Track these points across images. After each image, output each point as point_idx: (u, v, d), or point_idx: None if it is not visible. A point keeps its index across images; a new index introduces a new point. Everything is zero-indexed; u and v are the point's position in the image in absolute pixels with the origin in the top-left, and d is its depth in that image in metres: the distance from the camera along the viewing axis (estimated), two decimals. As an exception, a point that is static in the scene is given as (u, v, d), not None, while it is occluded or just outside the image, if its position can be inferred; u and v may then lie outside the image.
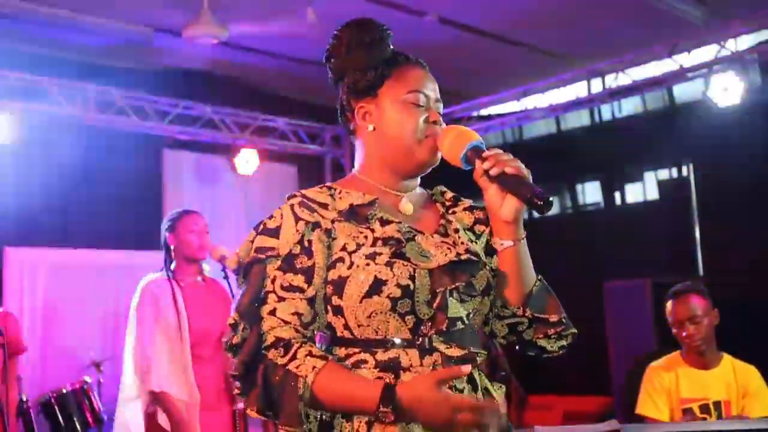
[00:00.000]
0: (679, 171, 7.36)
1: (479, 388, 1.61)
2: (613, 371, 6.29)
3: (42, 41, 6.24)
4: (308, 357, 1.50)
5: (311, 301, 1.56)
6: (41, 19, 5.78)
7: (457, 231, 1.66)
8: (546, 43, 6.69)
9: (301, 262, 1.57)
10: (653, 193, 7.66)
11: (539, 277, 1.68)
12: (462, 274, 1.58)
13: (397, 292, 1.53)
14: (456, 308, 1.58)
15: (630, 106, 7.67)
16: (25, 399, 4.74)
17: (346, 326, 1.57)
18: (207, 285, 3.82)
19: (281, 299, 1.55)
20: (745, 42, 6.06)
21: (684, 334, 3.25)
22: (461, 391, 1.57)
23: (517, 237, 1.62)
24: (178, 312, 3.62)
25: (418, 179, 1.75)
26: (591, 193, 8.32)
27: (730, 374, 3.27)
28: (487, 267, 1.65)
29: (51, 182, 6.13)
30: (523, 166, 1.56)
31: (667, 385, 3.29)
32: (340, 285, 1.55)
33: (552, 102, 7.02)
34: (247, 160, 7.18)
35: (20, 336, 3.79)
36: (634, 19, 6.13)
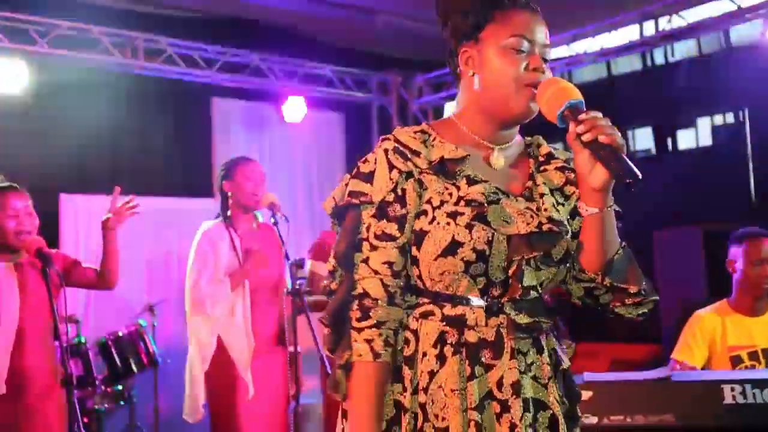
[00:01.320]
0: (735, 116, 7.17)
1: (545, 350, 1.62)
2: (663, 319, 6.24)
3: (91, -10, 6.28)
4: (370, 342, 1.54)
5: (403, 250, 1.59)
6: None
7: (542, 195, 1.62)
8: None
9: (394, 210, 1.58)
10: (706, 140, 7.49)
11: (623, 244, 1.63)
12: (541, 244, 1.57)
13: (472, 256, 1.53)
14: (531, 277, 1.58)
15: (684, 49, 7.46)
16: (83, 341, 4.91)
17: (420, 276, 1.60)
18: (261, 232, 3.87)
19: (374, 248, 1.58)
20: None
21: (760, 274, 3.21)
22: (525, 353, 1.58)
23: (604, 205, 1.56)
24: (237, 258, 3.69)
25: (516, 130, 1.70)
26: (642, 139, 8.17)
27: (779, 321, 3.24)
28: (569, 234, 1.61)
29: (102, 131, 6.21)
30: (619, 135, 1.48)
31: (711, 332, 3.26)
32: (420, 237, 1.57)
33: (603, 46, 6.86)
34: (295, 108, 7.19)
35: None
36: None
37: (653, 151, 7.94)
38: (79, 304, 5.72)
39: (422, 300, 1.60)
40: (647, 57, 7.73)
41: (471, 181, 1.59)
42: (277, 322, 3.83)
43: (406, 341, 1.60)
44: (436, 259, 1.55)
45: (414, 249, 1.59)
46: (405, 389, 1.58)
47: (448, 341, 1.56)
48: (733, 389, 2.53)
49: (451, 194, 1.58)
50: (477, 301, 1.57)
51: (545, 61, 1.62)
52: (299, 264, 3.62)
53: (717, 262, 3.43)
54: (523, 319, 1.57)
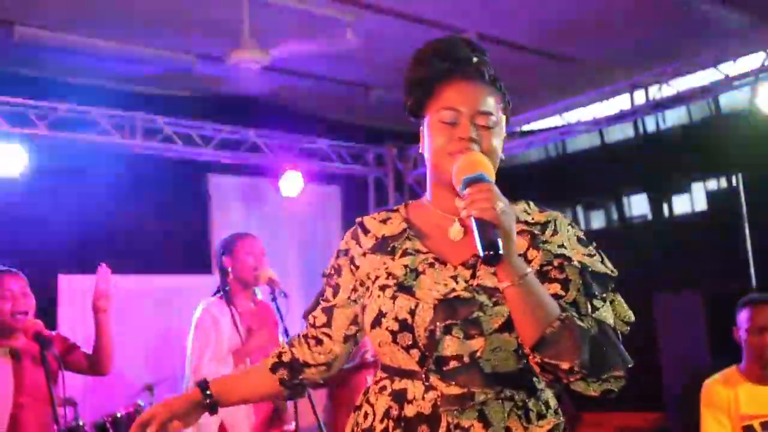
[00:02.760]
0: (728, 181, 7.23)
1: (494, 426, 1.52)
2: (666, 386, 6.18)
3: (89, 72, 6.39)
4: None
5: (328, 310, 1.78)
6: (88, 50, 5.92)
7: (483, 263, 1.56)
8: (587, 56, 6.64)
9: (334, 280, 1.78)
10: (702, 205, 7.53)
11: (563, 316, 1.49)
12: (462, 311, 1.52)
13: (395, 326, 1.56)
14: (453, 346, 1.52)
15: (675, 116, 7.56)
16: (81, 424, 4.83)
17: (376, 351, 1.68)
18: (259, 309, 3.85)
19: (317, 303, 1.82)
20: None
21: (762, 343, 3.17)
22: (467, 429, 1.51)
23: (512, 278, 1.45)
24: (240, 335, 3.65)
25: None
26: (638, 205, 8.21)
27: (790, 389, 3.19)
28: (489, 309, 1.53)
29: (101, 210, 6.24)
30: (494, 207, 1.40)
31: (725, 401, 3.21)
32: (363, 312, 1.68)
33: (595, 115, 6.96)
34: (292, 182, 7.24)
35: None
36: (677, 29, 6.06)
37: (649, 216, 7.97)
38: (77, 385, 5.64)
39: (381, 375, 1.67)
40: (639, 124, 7.83)
41: (404, 254, 1.64)
42: (275, 401, 3.78)
43: (366, 415, 1.66)
44: (370, 331, 1.62)
45: (363, 324, 1.72)
46: None
47: (392, 416, 1.57)
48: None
49: (386, 269, 1.63)
50: (417, 374, 1.57)
51: (483, 128, 1.61)
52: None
53: (718, 325, 3.41)
54: (453, 390, 1.52)
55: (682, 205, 7.81)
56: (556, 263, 1.59)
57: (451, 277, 1.58)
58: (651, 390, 6.44)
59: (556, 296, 1.54)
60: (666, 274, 6.77)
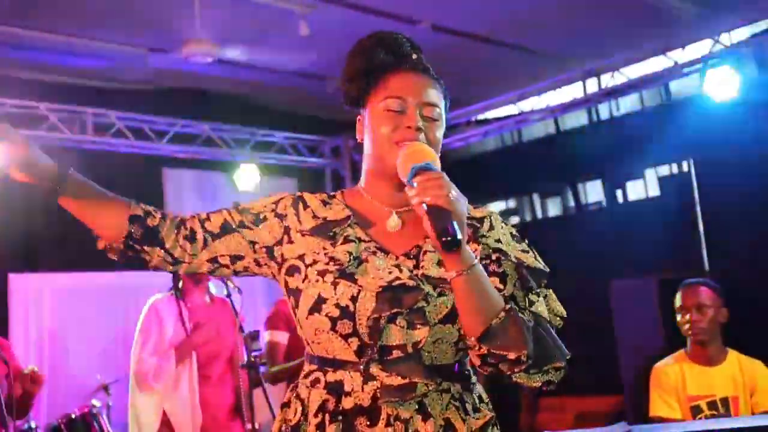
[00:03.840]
0: (680, 167, 7.35)
1: (433, 417, 1.52)
2: (623, 369, 6.26)
3: (37, 67, 6.26)
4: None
5: (226, 226, 1.66)
6: (36, 44, 5.80)
7: (425, 253, 1.58)
8: (540, 45, 6.70)
9: (250, 217, 1.67)
10: (655, 190, 7.64)
11: (507, 307, 1.50)
12: (407, 300, 1.51)
13: (335, 312, 1.51)
14: (397, 335, 1.51)
15: (627, 103, 7.66)
16: (34, 426, 4.74)
17: (307, 341, 1.61)
18: (214, 305, 3.81)
19: (206, 221, 1.69)
20: (738, 35, 6.05)
21: (686, 320, 3.25)
22: (407, 421, 1.50)
23: (459, 268, 1.45)
24: (186, 331, 3.62)
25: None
26: (593, 192, 8.31)
27: (737, 370, 3.26)
28: (434, 298, 1.53)
29: (51, 207, 6.08)
30: (447, 194, 1.41)
31: (673, 382, 3.28)
32: (296, 297, 1.59)
33: (549, 104, 7.01)
34: (248, 176, 7.18)
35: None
36: (627, 18, 6.13)
37: (604, 203, 8.07)
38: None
39: (311, 367, 1.60)
40: (593, 112, 7.91)
41: (346, 241, 1.60)
42: (232, 397, 3.75)
43: (294, 410, 1.58)
44: (307, 318, 1.54)
45: (295, 310, 1.60)
46: None
47: (328, 410, 1.52)
48: (695, 440, 2.52)
49: (326, 253, 1.58)
50: (353, 365, 1.53)
51: (429, 119, 1.61)
52: (254, 336, 3.54)
53: (671, 310, 3.46)
54: (394, 380, 1.50)
55: (635, 191, 7.93)
56: (494, 257, 1.60)
57: (395, 266, 1.56)
58: (608, 374, 6.52)
59: (497, 288, 1.55)
60: (621, 260, 6.86)
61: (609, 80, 6.55)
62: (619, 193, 8.00)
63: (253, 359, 3.46)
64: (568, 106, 6.97)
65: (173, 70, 6.55)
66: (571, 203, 8.39)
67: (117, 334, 6.33)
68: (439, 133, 1.64)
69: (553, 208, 8.72)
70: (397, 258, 1.58)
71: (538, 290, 1.61)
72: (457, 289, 1.48)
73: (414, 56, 1.69)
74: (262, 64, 6.78)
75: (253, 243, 1.65)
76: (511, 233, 1.68)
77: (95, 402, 5.15)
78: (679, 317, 3.32)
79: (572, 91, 6.91)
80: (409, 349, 1.51)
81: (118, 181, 6.69)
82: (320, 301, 1.52)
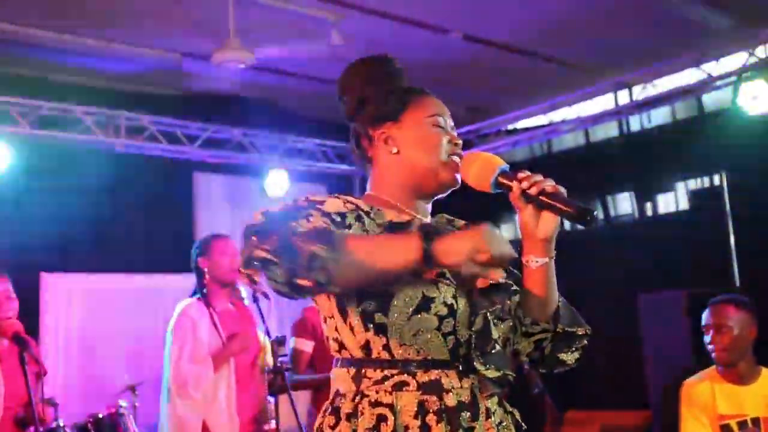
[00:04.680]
0: (711, 180, 7.26)
1: (507, 410, 1.66)
2: (650, 385, 6.20)
3: (72, 70, 6.35)
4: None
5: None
6: (72, 49, 5.88)
7: None
8: (572, 56, 6.66)
9: (336, 223, 1.54)
10: (685, 204, 7.56)
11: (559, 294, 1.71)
12: (498, 298, 1.61)
13: (444, 310, 1.53)
14: (495, 330, 1.61)
15: (659, 116, 7.59)
16: (62, 424, 4.79)
17: (386, 346, 1.53)
18: (237, 310, 3.83)
19: (311, 217, 1.50)
20: (774, 48, 5.98)
21: (708, 340, 3.20)
22: (494, 413, 1.60)
23: (551, 254, 1.64)
24: (220, 336, 3.64)
25: (429, 206, 1.77)
26: (622, 204, 8.23)
27: (770, 389, 3.21)
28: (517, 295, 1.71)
29: (84, 209, 6.21)
30: (557, 185, 1.60)
31: (703, 400, 3.23)
32: (383, 300, 1.51)
33: (580, 115, 6.98)
34: (277, 182, 7.22)
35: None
36: (661, 30, 6.08)
37: (634, 215, 8.00)
38: (58, 386, 5.61)
39: (390, 372, 1.53)
40: (623, 124, 7.85)
41: None
42: (259, 401, 3.77)
43: (383, 418, 1.50)
44: (409, 318, 1.50)
45: (378, 316, 1.52)
46: None
47: (430, 410, 1.51)
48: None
49: None
50: (448, 363, 1.56)
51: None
52: (281, 341, 3.56)
53: (700, 326, 3.42)
54: (492, 372, 1.57)
55: (666, 204, 7.84)
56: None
57: None
58: (635, 389, 6.47)
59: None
60: (650, 273, 6.79)
61: (641, 92, 6.51)
62: (649, 205, 7.92)
63: (279, 364, 3.48)
64: (599, 118, 6.93)
65: (206, 75, 6.61)
66: (601, 215, 8.33)
67: (145, 335, 6.39)
68: None
69: (582, 220, 8.64)
70: None
71: None
72: (541, 276, 1.64)
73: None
74: (294, 70, 6.81)
75: None
76: None
77: (122, 402, 5.20)
78: (705, 337, 3.27)
79: (603, 103, 6.87)
80: (501, 343, 1.63)
81: (149, 184, 6.88)
82: (428, 300, 1.52)
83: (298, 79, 6.96)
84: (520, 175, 1.60)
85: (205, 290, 3.73)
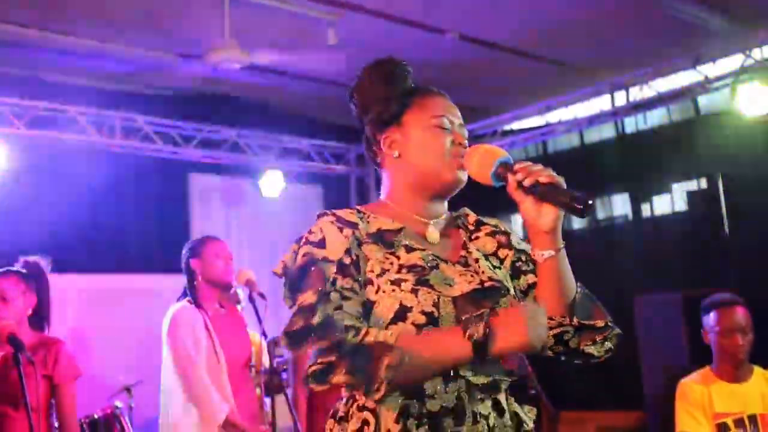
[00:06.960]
0: (708, 182, 7.26)
1: (507, 412, 1.62)
2: (645, 385, 6.21)
3: (67, 70, 6.33)
4: (380, 331, 1.50)
5: (363, 305, 1.57)
6: (68, 48, 5.87)
7: (477, 260, 1.67)
8: (568, 57, 6.66)
9: (351, 272, 1.58)
10: (682, 205, 7.57)
11: (579, 284, 1.67)
12: (486, 302, 1.58)
13: (422, 319, 1.53)
14: None
15: (655, 117, 7.59)
16: (56, 425, 4.77)
17: None
18: (228, 312, 3.82)
19: (345, 298, 1.55)
20: (770, 50, 5.99)
21: (734, 344, 3.19)
22: (486, 417, 1.57)
23: (557, 246, 1.62)
24: (212, 340, 3.63)
25: (445, 205, 1.77)
26: (618, 205, 8.23)
27: (764, 386, 3.22)
28: (511, 292, 1.66)
29: (79, 209, 6.18)
30: (554, 173, 1.58)
31: (699, 399, 3.24)
32: (368, 309, 1.57)
33: (576, 116, 6.98)
34: (273, 182, 7.21)
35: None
36: (657, 31, 6.08)
37: (630, 216, 8.00)
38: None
39: None
40: (619, 125, 7.85)
41: (409, 249, 1.63)
42: (254, 401, 3.76)
43: (365, 422, 1.55)
44: (387, 327, 1.53)
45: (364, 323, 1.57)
46: None
47: (412, 414, 1.53)
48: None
49: (392, 263, 1.60)
50: None
51: (465, 138, 1.74)
52: (277, 342, 3.55)
53: (697, 326, 3.42)
54: (480, 379, 1.55)
55: (662, 205, 7.84)
56: (523, 258, 1.74)
57: (465, 272, 1.63)
58: (630, 389, 6.47)
59: (534, 284, 1.69)
60: (646, 274, 6.80)
61: (637, 93, 6.51)
62: (645, 207, 7.92)
63: (275, 365, 3.47)
64: (595, 119, 6.93)
65: (201, 76, 6.60)
66: (596, 216, 8.32)
67: (140, 336, 6.37)
68: None
69: (578, 221, 8.65)
70: (454, 265, 1.65)
71: None
72: (550, 269, 1.62)
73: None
74: (290, 71, 6.80)
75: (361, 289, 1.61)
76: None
77: (117, 403, 5.19)
78: (721, 339, 3.24)
79: (600, 104, 6.87)
80: None
81: (144, 184, 6.85)
82: (404, 309, 1.54)
83: (293, 79, 6.95)
84: (517, 166, 1.59)
85: (195, 292, 3.71)
